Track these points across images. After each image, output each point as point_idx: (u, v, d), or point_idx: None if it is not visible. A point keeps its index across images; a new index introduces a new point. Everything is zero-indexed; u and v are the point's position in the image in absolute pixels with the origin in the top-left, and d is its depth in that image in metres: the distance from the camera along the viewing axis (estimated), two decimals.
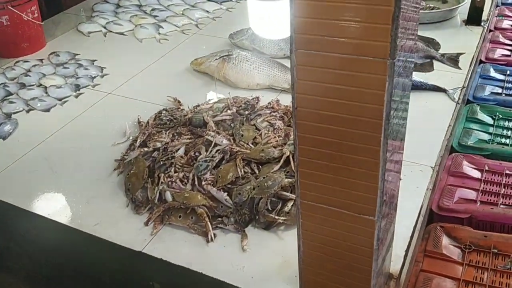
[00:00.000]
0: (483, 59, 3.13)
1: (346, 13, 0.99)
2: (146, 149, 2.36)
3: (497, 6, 3.79)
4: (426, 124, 2.51)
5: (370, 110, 1.13)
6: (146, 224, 2.07)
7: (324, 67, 1.10)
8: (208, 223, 2.00)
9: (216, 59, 3.07)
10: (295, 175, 1.37)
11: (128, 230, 2.06)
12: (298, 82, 1.19)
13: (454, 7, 3.60)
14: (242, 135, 2.34)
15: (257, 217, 2.02)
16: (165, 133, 2.47)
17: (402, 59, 1.10)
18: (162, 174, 2.19)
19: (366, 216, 1.31)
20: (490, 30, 3.44)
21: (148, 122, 2.64)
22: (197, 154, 2.27)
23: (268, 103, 2.64)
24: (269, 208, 2.01)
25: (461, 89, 2.79)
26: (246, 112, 2.57)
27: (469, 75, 2.94)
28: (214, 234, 1.99)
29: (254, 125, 2.45)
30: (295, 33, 1.08)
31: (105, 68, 3.35)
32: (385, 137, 1.17)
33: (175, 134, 2.47)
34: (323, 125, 1.23)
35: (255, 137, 2.35)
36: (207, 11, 4.10)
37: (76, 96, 3.05)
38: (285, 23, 1.80)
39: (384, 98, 1.10)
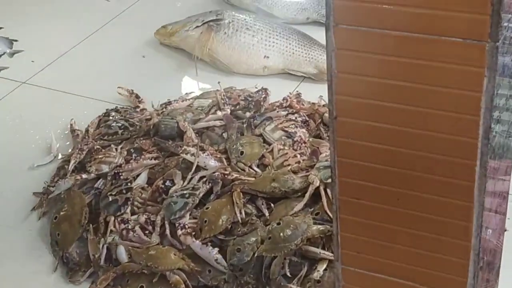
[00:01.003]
0: None
1: None
2: (85, 175, 2.37)
3: None
4: None
5: (456, 123, 1.13)
6: None
7: (381, 53, 1.10)
8: None
9: (197, 26, 3.09)
10: (332, 223, 1.37)
11: None
12: (339, 77, 1.18)
13: None
14: (242, 153, 2.35)
15: None
16: (116, 149, 2.48)
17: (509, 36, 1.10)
18: (112, 218, 2.19)
19: None
20: None
21: (87, 131, 2.66)
22: (168, 184, 2.28)
23: (283, 99, 2.66)
24: (288, 274, 2.01)
25: None
26: (248, 114, 2.58)
27: None
28: None
29: (260, 135, 2.46)
30: None
31: (16, 41, 3.36)
32: (482, 165, 1.17)
33: (132, 150, 2.48)
34: (378, 146, 1.23)
35: (263, 156, 2.36)
36: None
37: None
38: None
39: (481, 103, 1.11)
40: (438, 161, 1.21)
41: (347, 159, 1.29)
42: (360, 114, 1.23)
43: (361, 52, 1.16)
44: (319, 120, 2.54)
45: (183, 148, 2.36)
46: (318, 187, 2.15)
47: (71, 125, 2.73)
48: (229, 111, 2.58)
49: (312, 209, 2.14)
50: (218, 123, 2.53)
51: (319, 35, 3.15)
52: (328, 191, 2.14)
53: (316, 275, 2.00)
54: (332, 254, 2.03)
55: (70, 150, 2.62)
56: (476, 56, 1.07)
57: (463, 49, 1.07)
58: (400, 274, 1.38)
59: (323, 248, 2.06)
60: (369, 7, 1.11)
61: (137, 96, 2.86)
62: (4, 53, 3.29)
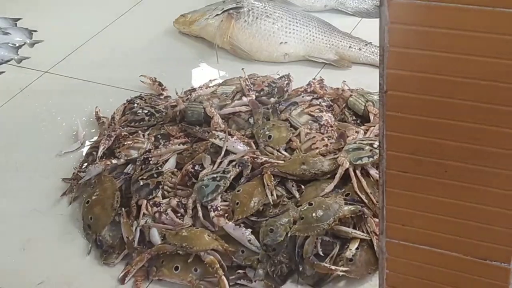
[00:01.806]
0: None
1: None
2: (114, 161, 2.41)
3: None
4: None
5: (507, 93, 1.16)
6: (122, 281, 2.11)
7: (434, 26, 1.12)
8: (223, 278, 2.03)
9: (217, 14, 3.12)
10: (379, 200, 1.40)
11: None
12: (391, 51, 1.22)
13: None
14: (270, 137, 2.39)
15: (301, 268, 2.05)
16: (143, 135, 2.52)
17: None
18: (144, 201, 2.23)
19: (496, 263, 1.35)
20: None
21: (113, 118, 2.70)
22: (197, 168, 2.32)
23: (307, 85, 2.69)
24: (321, 253, 2.05)
25: None
26: (272, 100, 2.62)
27: None
28: None
29: (287, 120, 2.50)
30: None
31: (35, 31, 3.41)
32: None
33: (159, 136, 2.52)
34: (427, 119, 1.26)
35: (290, 140, 2.40)
36: None
37: None
38: None
39: None
40: (486, 131, 1.24)
41: (396, 133, 1.32)
42: (411, 88, 1.25)
43: (414, 26, 1.19)
44: (344, 105, 2.57)
45: (211, 133, 2.40)
46: (347, 169, 2.19)
47: (96, 112, 2.76)
48: (254, 96, 2.61)
49: (343, 190, 2.18)
50: (244, 108, 2.56)
51: (337, 22, 3.21)
52: (358, 172, 2.18)
53: (348, 253, 2.04)
54: (363, 233, 2.08)
55: (96, 137, 2.65)
56: None
57: None
58: (444, 245, 1.40)
59: (354, 228, 2.10)
60: None
61: (160, 84, 2.89)
62: (24, 43, 3.34)
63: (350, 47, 3.01)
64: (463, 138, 1.27)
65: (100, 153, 2.46)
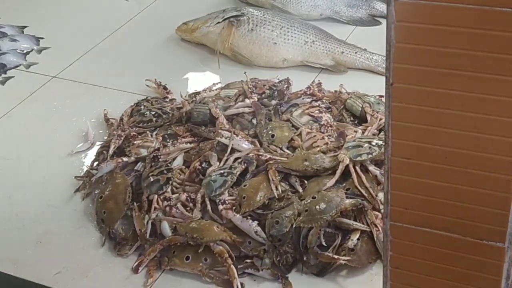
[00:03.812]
0: None
1: None
2: (125, 159, 2.50)
3: None
4: None
5: (505, 86, 1.26)
6: (136, 271, 2.19)
7: (437, 23, 1.22)
8: (232, 267, 2.12)
9: (219, 22, 3.23)
10: (384, 185, 1.49)
11: (107, 281, 2.18)
12: (397, 47, 1.32)
13: None
14: (273, 136, 2.49)
15: (305, 258, 2.15)
16: (151, 135, 2.61)
17: None
18: (155, 196, 2.32)
19: (492, 243, 1.44)
20: None
21: (122, 119, 2.79)
22: (204, 165, 2.41)
23: (307, 88, 2.80)
24: (324, 244, 2.14)
25: None
26: (274, 102, 2.73)
27: None
28: (242, 284, 2.11)
29: (288, 120, 2.60)
30: None
31: (42, 38, 3.50)
32: None
33: (166, 136, 2.61)
34: (430, 109, 1.36)
35: (292, 139, 2.50)
36: None
37: (3, 83, 3.19)
38: None
39: None
40: (484, 120, 1.34)
41: (400, 122, 1.42)
42: (415, 81, 1.36)
43: (419, 23, 1.29)
44: (342, 107, 2.68)
45: (217, 132, 2.49)
46: (347, 165, 2.29)
47: (104, 114, 2.85)
48: (256, 98, 2.71)
49: (343, 185, 2.28)
50: (247, 110, 2.66)
51: (332, 30, 3.31)
52: (357, 168, 2.28)
53: (350, 244, 2.14)
54: (363, 225, 2.18)
55: (105, 137, 2.74)
56: None
57: None
58: (445, 227, 1.50)
59: (355, 220, 2.20)
60: None
61: (165, 88, 2.98)
62: (32, 49, 3.42)
63: (345, 53, 3.11)
64: (462, 126, 1.37)
65: (111, 151, 2.55)
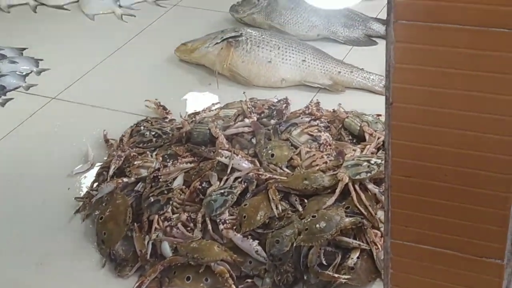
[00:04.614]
0: None
1: None
2: (125, 179, 2.51)
3: None
4: None
5: (507, 106, 1.29)
6: None
7: (435, 44, 1.25)
8: (233, 287, 2.13)
9: (217, 43, 3.26)
10: (384, 204, 1.51)
11: None
12: (396, 67, 1.35)
13: None
14: (273, 155, 2.51)
15: (306, 277, 2.16)
16: (152, 155, 2.63)
17: None
18: (156, 216, 2.33)
19: (491, 260, 1.46)
20: None
21: (121, 140, 2.81)
22: (204, 185, 2.43)
23: (305, 107, 2.82)
24: (324, 263, 2.15)
25: None
26: (273, 122, 2.75)
27: None
28: None
29: (287, 140, 2.62)
30: None
31: (41, 60, 3.53)
32: None
33: (166, 156, 2.63)
34: (429, 128, 1.39)
35: (291, 158, 2.52)
36: None
37: (2, 104, 3.21)
38: None
39: None
40: (484, 139, 1.36)
41: (400, 141, 1.44)
42: (414, 100, 1.38)
43: (417, 44, 1.32)
44: (340, 126, 2.70)
45: (217, 152, 2.51)
46: (347, 184, 2.31)
47: (104, 135, 2.87)
48: (255, 118, 2.73)
49: (343, 203, 2.29)
50: (246, 129, 2.68)
51: (330, 50, 3.35)
52: (357, 187, 2.30)
53: (350, 262, 2.15)
54: (363, 244, 2.19)
55: (105, 158, 2.75)
56: None
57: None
58: (444, 244, 1.51)
59: (355, 238, 2.21)
60: (425, 3, 1.27)
61: (164, 108, 3.00)
62: (31, 71, 3.44)
63: (342, 72, 3.15)
64: (461, 145, 1.40)
65: (111, 172, 2.56)
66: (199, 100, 3.17)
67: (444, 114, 1.37)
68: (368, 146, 2.50)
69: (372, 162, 2.34)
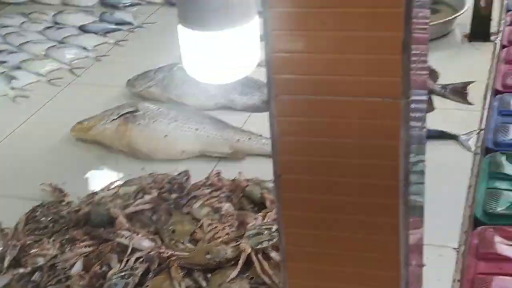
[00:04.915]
0: (499, 87, 3.53)
1: (347, 45, 1.20)
2: (21, 270, 2.40)
3: (508, 10, 4.11)
4: (437, 188, 2.76)
5: (383, 169, 1.32)
6: None
7: (319, 116, 1.29)
8: None
9: (114, 119, 3.22)
10: (281, 275, 1.51)
11: None
12: (282, 141, 1.36)
13: (450, 17, 4.02)
14: (174, 231, 2.47)
15: None
16: (49, 242, 2.54)
17: (416, 99, 1.33)
18: None
19: None
20: (504, 46, 3.88)
21: (16, 228, 2.69)
22: (104, 268, 2.35)
23: (206, 179, 2.81)
24: None
25: (477, 133, 3.13)
26: (174, 196, 2.71)
27: (485, 112, 3.32)
28: None
29: (189, 213, 2.59)
30: (274, 73, 1.26)
31: None
32: (404, 203, 1.37)
33: (64, 241, 2.54)
34: (321, 197, 1.41)
35: (194, 232, 2.48)
36: (85, 48, 4.31)
37: None
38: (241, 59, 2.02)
39: (399, 150, 1.31)
40: (373, 204, 1.39)
41: (292, 212, 1.45)
42: (301, 171, 1.40)
43: (297, 117, 1.34)
44: (241, 194, 2.70)
45: (116, 233, 2.45)
46: (249, 254, 2.29)
47: None
48: (156, 194, 2.69)
49: (247, 274, 2.27)
50: (147, 206, 2.63)
51: (228, 118, 3.36)
52: (259, 256, 2.29)
53: None
54: None
55: (0, 249, 2.63)
56: (394, 111, 1.27)
57: (384, 107, 1.28)
58: None
59: None
60: (308, 78, 1.30)
61: (60, 191, 2.90)
62: None
63: (241, 140, 3.16)
64: (349, 212, 1.42)
65: (6, 263, 2.44)
66: (99, 179, 3.09)
67: (330, 182, 1.40)
68: (269, 213, 2.50)
69: (273, 229, 2.33)
